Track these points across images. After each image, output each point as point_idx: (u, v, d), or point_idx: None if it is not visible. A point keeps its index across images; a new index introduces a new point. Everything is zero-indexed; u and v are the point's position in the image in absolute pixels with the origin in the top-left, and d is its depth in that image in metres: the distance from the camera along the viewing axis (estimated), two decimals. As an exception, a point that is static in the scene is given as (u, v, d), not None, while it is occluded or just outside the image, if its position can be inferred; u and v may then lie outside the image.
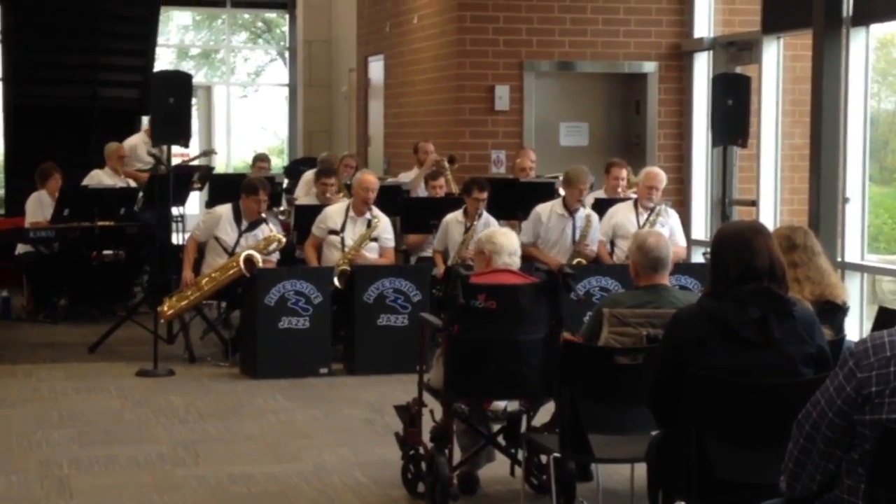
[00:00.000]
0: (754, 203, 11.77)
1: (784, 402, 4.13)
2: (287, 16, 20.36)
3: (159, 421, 7.90)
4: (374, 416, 7.95)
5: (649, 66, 13.05)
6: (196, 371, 9.41)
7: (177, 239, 12.60)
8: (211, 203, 11.89)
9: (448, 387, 5.98)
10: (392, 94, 15.07)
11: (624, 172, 10.95)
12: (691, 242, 12.03)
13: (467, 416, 6.14)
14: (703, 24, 12.91)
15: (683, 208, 12.56)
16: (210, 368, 9.50)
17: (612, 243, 10.11)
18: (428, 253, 10.46)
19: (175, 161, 11.13)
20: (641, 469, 5.06)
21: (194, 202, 15.25)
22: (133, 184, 12.34)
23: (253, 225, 9.84)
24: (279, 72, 21.25)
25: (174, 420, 7.93)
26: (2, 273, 12.15)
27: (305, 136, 19.55)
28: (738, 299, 4.30)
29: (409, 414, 6.34)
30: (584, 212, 10.02)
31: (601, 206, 10.30)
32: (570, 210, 9.99)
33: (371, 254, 9.82)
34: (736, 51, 12.38)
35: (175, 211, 12.50)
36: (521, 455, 6.13)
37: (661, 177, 10.08)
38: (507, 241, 6.26)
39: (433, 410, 6.28)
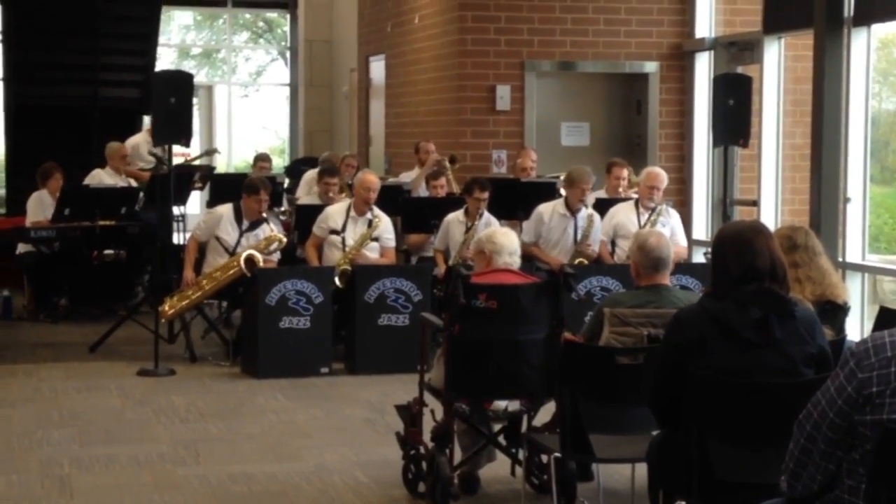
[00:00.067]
0: (755, 203, 11.77)
1: (785, 403, 4.13)
2: (288, 15, 20.37)
3: (160, 420, 7.90)
4: (375, 416, 7.95)
5: (650, 66, 13.05)
6: (197, 370, 9.41)
7: (178, 238, 12.60)
8: (212, 203, 11.89)
9: (449, 386, 5.98)
10: (393, 93, 15.07)
11: (625, 172, 10.95)
12: (692, 242, 12.03)
13: (468, 415, 6.13)
14: (705, 24, 12.91)
15: (684, 208, 12.56)
16: (211, 368, 9.50)
17: (613, 243, 10.12)
18: (429, 253, 10.46)
19: (177, 160, 11.14)
20: (642, 469, 5.06)
21: (195, 202, 15.25)
22: (134, 183, 12.34)
23: (254, 225, 9.85)
24: (280, 71, 21.25)
25: (175, 419, 7.93)
26: (3, 272, 12.15)
27: (306, 135, 19.55)
28: (739, 299, 4.30)
29: (410, 413, 6.34)
30: (587, 212, 10.02)
31: (602, 206, 10.30)
32: (572, 210, 9.99)
33: (372, 253, 9.82)
34: (737, 51, 12.38)
35: (176, 210, 12.51)
36: (521, 455, 6.13)
37: (663, 177, 10.09)
38: (507, 241, 6.26)
39: (434, 410, 6.29)
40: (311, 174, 12.08)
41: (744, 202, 12.20)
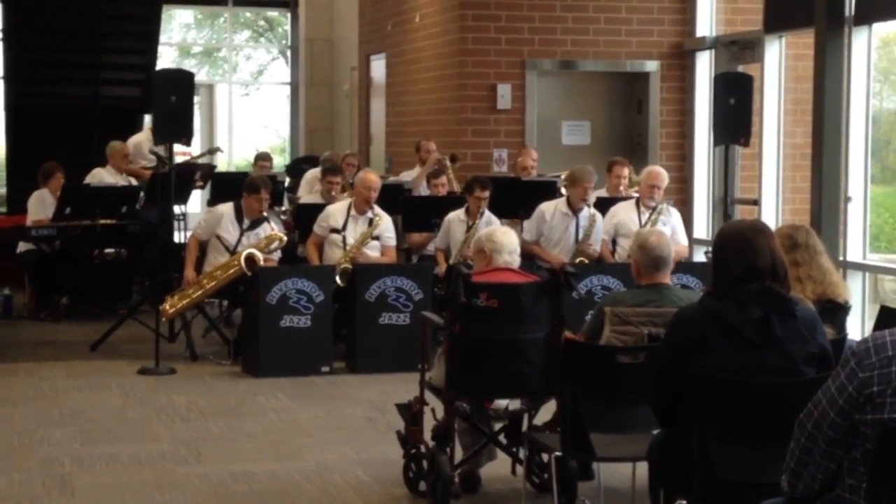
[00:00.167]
0: (756, 202, 11.78)
1: (786, 402, 4.13)
2: (289, 14, 20.37)
3: (161, 419, 7.90)
4: (376, 415, 7.95)
5: (651, 65, 13.05)
6: (198, 369, 9.41)
7: (178, 237, 12.60)
8: (213, 201, 11.89)
9: (450, 385, 5.98)
10: (394, 92, 15.07)
11: (626, 171, 10.96)
12: (693, 241, 12.03)
13: (469, 414, 6.13)
14: (706, 23, 12.91)
15: (685, 207, 12.57)
16: (212, 367, 9.51)
17: (614, 242, 10.12)
18: (430, 251, 10.47)
19: (181, 159, 11.13)
20: (643, 468, 5.06)
21: (196, 200, 15.25)
22: (134, 182, 12.34)
23: (254, 224, 9.85)
24: (281, 70, 21.25)
25: (176, 418, 7.93)
26: (4, 271, 12.15)
27: (307, 134, 19.55)
28: (740, 299, 4.29)
29: (411, 412, 6.34)
30: (589, 211, 10.02)
31: (603, 205, 10.30)
32: (574, 209, 9.99)
33: (373, 252, 9.82)
34: (738, 50, 12.39)
35: (177, 209, 12.51)
36: (522, 454, 6.13)
37: (663, 176, 10.09)
38: (507, 240, 6.26)
39: (435, 409, 6.28)
40: (312, 173, 12.08)
41: (745, 201, 12.20)
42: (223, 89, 20.52)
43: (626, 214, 10.06)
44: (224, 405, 8.28)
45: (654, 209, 9.94)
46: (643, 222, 9.81)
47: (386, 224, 9.91)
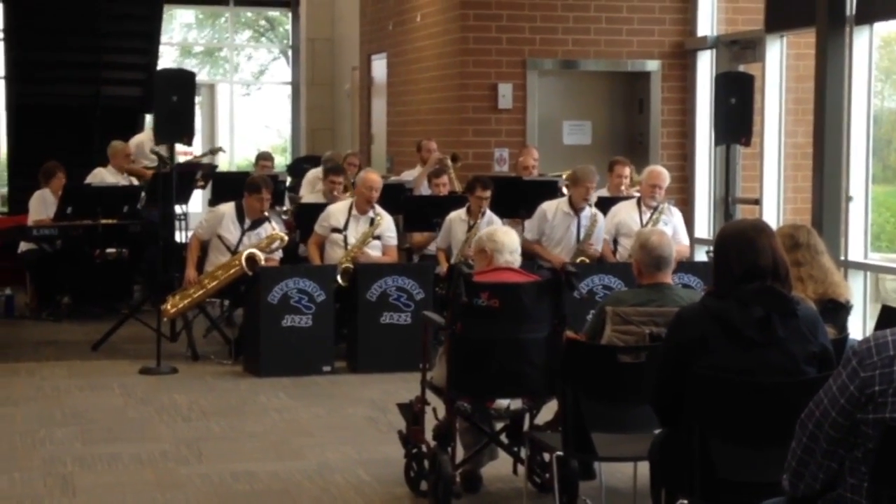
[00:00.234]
0: (757, 201, 11.78)
1: (787, 402, 4.13)
2: (290, 14, 20.37)
3: (162, 419, 7.90)
4: (377, 415, 7.95)
5: (652, 65, 13.05)
6: (199, 369, 9.42)
7: (180, 237, 12.60)
8: (214, 201, 11.89)
9: (451, 385, 5.98)
10: (395, 92, 15.07)
11: (627, 171, 10.96)
12: (694, 241, 12.03)
13: (470, 414, 6.14)
14: (707, 23, 12.91)
15: (687, 207, 12.56)
16: (213, 366, 9.51)
17: (616, 242, 10.12)
18: (431, 251, 10.47)
19: (184, 159, 11.13)
20: (644, 468, 5.06)
21: (197, 200, 15.25)
22: (136, 181, 12.34)
23: (256, 223, 9.85)
24: (282, 70, 21.26)
25: (177, 418, 7.93)
26: (5, 271, 12.16)
27: (308, 134, 19.55)
28: (741, 298, 4.29)
29: (412, 412, 6.34)
30: (590, 211, 10.02)
31: (604, 205, 10.30)
32: (576, 209, 9.99)
33: (374, 252, 9.83)
34: (739, 49, 12.39)
35: (178, 209, 12.51)
36: (523, 453, 6.14)
37: (665, 175, 10.08)
38: (508, 239, 6.26)
39: (436, 408, 6.28)
40: (313, 173, 12.08)
41: (746, 201, 12.20)
42: (224, 89, 20.53)
43: (627, 214, 10.06)
44: (225, 405, 8.28)
45: (655, 209, 9.94)
46: (644, 222, 9.81)
47: (387, 224, 9.91)
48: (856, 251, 10.19)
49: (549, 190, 10.67)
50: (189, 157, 14.47)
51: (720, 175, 12.26)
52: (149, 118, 14.94)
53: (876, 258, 10.45)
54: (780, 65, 11.57)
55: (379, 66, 15.81)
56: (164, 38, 17.62)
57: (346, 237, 9.75)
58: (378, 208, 9.85)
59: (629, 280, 7.83)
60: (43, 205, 11.58)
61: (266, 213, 9.95)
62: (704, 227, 12.79)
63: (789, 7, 11.07)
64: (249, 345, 9.40)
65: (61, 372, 9.30)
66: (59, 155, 12.52)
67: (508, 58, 12.76)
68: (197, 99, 10.32)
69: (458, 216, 10.02)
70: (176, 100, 9.32)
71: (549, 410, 6.08)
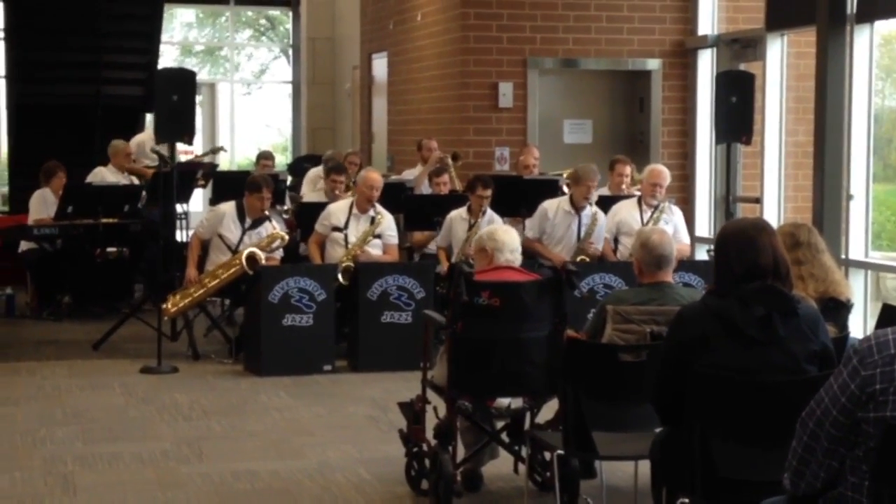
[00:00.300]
0: (758, 200, 11.78)
1: (788, 400, 4.12)
2: (291, 13, 20.37)
3: (163, 418, 7.91)
4: (378, 414, 7.95)
5: (653, 64, 13.05)
6: (200, 368, 9.42)
7: (180, 236, 12.61)
8: (215, 200, 11.89)
9: (452, 384, 5.98)
10: (396, 91, 15.07)
11: (628, 169, 10.95)
12: (695, 240, 12.03)
13: (471, 413, 6.13)
14: (707, 22, 12.90)
15: (687, 205, 12.56)
16: (214, 365, 9.51)
17: (616, 240, 10.12)
18: (432, 250, 10.47)
19: (184, 158, 11.13)
20: (645, 466, 5.06)
21: (198, 199, 15.25)
22: (136, 181, 12.34)
23: (256, 222, 9.85)
24: (283, 69, 21.26)
25: (178, 417, 7.93)
26: (6, 270, 12.16)
27: (309, 133, 19.55)
28: (742, 297, 4.29)
29: (413, 411, 6.34)
30: (591, 210, 10.02)
31: (605, 204, 10.29)
32: (577, 208, 9.99)
33: (375, 250, 9.83)
34: (740, 48, 12.38)
35: (179, 208, 12.51)
36: (524, 452, 6.13)
37: (665, 174, 10.08)
38: (508, 238, 6.25)
39: (437, 407, 6.28)
40: (314, 172, 12.08)
41: (746, 199, 12.20)
42: (225, 88, 20.53)
43: (628, 213, 10.05)
44: (226, 404, 8.28)
45: (656, 207, 9.93)
46: (645, 221, 9.80)
47: (388, 222, 9.91)
48: (856, 250, 10.18)
49: (549, 189, 10.67)
50: (190, 157, 14.47)
51: (721, 174, 12.26)
52: (149, 117, 14.93)
53: (876, 257, 10.45)
54: (780, 63, 11.57)
55: (379, 65, 15.81)
56: (164, 37, 17.61)
57: (346, 236, 9.75)
58: (379, 207, 9.85)
59: (630, 279, 7.83)
60: (43, 204, 11.59)
61: (267, 213, 9.95)
62: (705, 225, 12.79)
63: (790, 6, 11.07)
64: (250, 344, 9.40)
65: (62, 371, 9.30)
66: (60, 154, 12.52)
67: (509, 57, 12.76)
68: (197, 98, 10.34)
69: (458, 215, 10.01)
70: (176, 99, 9.32)
71: (549, 409, 6.08)
